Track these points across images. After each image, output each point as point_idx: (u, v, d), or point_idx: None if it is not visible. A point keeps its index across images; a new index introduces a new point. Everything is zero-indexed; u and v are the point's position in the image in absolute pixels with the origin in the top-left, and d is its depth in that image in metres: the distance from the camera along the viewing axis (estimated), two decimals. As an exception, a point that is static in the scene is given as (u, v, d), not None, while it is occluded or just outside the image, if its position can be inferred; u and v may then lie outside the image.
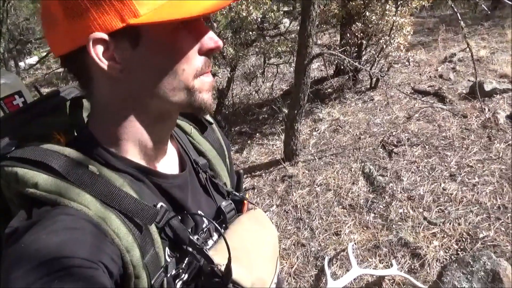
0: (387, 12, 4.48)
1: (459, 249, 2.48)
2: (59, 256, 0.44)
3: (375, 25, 4.61)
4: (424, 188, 3.05)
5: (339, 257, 2.69)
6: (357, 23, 4.70)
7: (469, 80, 4.53)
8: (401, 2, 4.58)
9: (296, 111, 3.61)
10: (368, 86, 5.16)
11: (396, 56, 4.71)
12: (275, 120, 5.19)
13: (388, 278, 2.43)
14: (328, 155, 3.87)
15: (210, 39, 0.56)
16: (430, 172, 3.21)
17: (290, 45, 5.17)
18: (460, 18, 2.69)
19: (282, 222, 3.15)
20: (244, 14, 4.50)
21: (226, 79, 5.64)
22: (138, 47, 0.52)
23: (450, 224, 2.67)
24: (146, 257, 0.52)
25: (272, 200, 3.46)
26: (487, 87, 4.05)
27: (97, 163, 0.54)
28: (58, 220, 0.47)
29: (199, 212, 0.65)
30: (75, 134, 0.63)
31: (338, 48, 5.07)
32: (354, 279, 2.42)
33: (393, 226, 2.78)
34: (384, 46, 4.60)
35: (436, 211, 2.81)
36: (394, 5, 4.54)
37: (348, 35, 4.86)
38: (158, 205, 0.56)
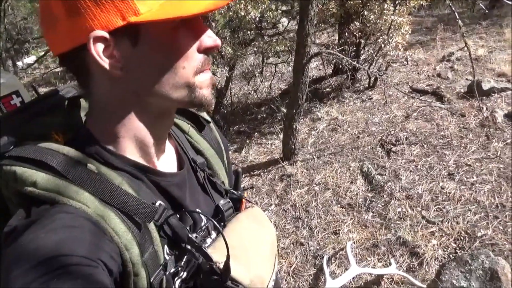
0: (385, 11, 4.48)
1: (457, 248, 2.49)
2: (58, 255, 0.44)
3: (373, 24, 4.62)
4: (422, 187, 3.06)
5: (337, 256, 2.70)
6: (355, 22, 4.71)
7: (467, 79, 4.54)
8: (399, 1, 4.58)
9: (294, 111, 3.62)
10: (367, 85, 5.16)
11: (394, 55, 4.73)
12: (273, 119, 5.19)
13: (386, 277, 2.43)
14: (326, 154, 3.87)
15: (209, 38, 0.56)
16: (429, 171, 3.21)
17: (288, 45, 5.17)
18: (458, 17, 2.70)
19: (281, 221, 3.15)
20: (242, 13, 4.50)
21: (225, 78, 5.63)
22: (138, 45, 0.52)
23: (448, 223, 2.67)
24: (145, 255, 0.52)
25: (271, 199, 3.46)
26: (485, 86, 4.06)
27: (96, 162, 0.54)
28: (57, 218, 0.47)
29: (198, 210, 0.65)
30: (73, 133, 0.63)
31: (336, 47, 5.07)
32: (353, 278, 2.42)
33: (392, 225, 2.79)
34: (382, 45, 4.61)
35: (434, 210, 2.82)
36: (392, 4, 4.54)
37: (347, 34, 4.86)
38: (157, 203, 0.57)
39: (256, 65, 6.45)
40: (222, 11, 4.53)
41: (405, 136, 3.75)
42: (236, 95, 6.47)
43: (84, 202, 0.49)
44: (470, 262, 2.14)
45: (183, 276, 0.58)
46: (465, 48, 2.88)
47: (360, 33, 4.72)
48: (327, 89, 5.52)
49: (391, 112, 4.31)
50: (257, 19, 5.00)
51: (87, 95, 0.61)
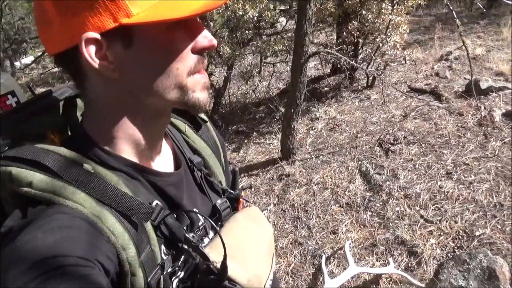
0: (383, 11, 4.49)
1: (455, 247, 2.49)
2: (55, 255, 0.43)
3: (371, 24, 4.62)
4: (420, 186, 3.06)
5: (336, 255, 2.70)
6: (353, 21, 4.71)
7: (465, 78, 4.55)
8: (397, 0, 4.59)
9: (293, 110, 3.61)
10: (365, 85, 5.17)
11: (392, 54, 4.73)
12: (272, 119, 5.19)
13: (385, 276, 2.44)
14: (325, 154, 3.88)
15: (204, 38, 0.56)
16: (427, 170, 3.22)
17: (286, 44, 5.17)
18: (455, 17, 2.70)
19: (279, 221, 3.15)
20: (240, 13, 4.50)
21: (223, 78, 5.63)
22: (131, 46, 0.52)
23: (446, 222, 2.68)
24: (142, 255, 0.52)
25: (269, 199, 3.46)
26: (483, 85, 4.06)
27: (92, 162, 0.54)
28: (54, 219, 0.47)
29: (195, 209, 0.65)
30: (70, 133, 0.63)
31: (334, 47, 5.08)
32: (351, 278, 2.42)
33: (390, 224, 2.79)
34: (381, 45, 4.61)
35: (432, 209, 2.82)
36: (390, 4, 4.55)
37: (345, 33, 4.87)
38: (154, 203, 0.56)
39: (254, 64, 6.45)
40: (220, 11, 4.53)
41: (403, 136, 3.75)
42: (235, 95, 6.46)
43: (81, 202, 0.49)
44: (468, 261, 2.14)
45: (181, 276, 0.58)
46: (463, 47, 2.88)
47: (358, 33, 4.72)
48: (325, 89, 5.53)
49: (389, 111, 4.31)
50: (255, 18, 5.00)
51: (83, 95, 0.61)
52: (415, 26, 7.45)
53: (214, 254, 0.58)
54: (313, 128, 4.49)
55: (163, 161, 0.66)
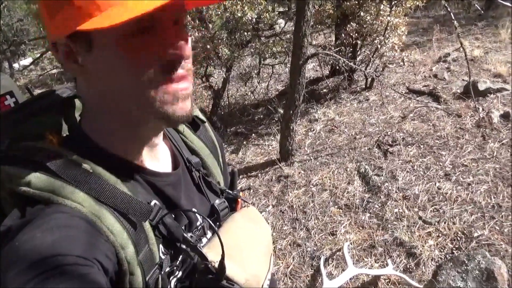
0: (381, 12, 4.50)
1: (454, 248, 2.49)
2: (54, 254, 0.44)
3: (369, 25, 4.63)
4: (419, 187, 3.06)
5: (335, 257, 2.70)
6: (351, 23, 4.72)
7: (463, 80, 4.56)
8: (396, 2, 4.60)
9: (291, 111, 3.62)
10: (363, 86, 5.17)
11: (390, 56, 4.74)
12: (270, 120, 5.19)
13: (383, 277, 2.44)
14: (323, 155, 3.88)
15: (173, 49, 0.52)
16: (425, 172, 3.22)
17: (285, 46, 5.18)
18: (453, 18, 2.71)
19: (278, 223, 3.15)
20: (239, 15, 4.50)
21: (222, 79, 5.64)
22: (91, 51, 0.51)
23: (445, 223, 2.68)
24: (141, 254, 0.52)
25: (268, 201, 3.46)
26: (481, 87, 4.08)
27: (90, 161, 0.54)
28: (52, 218, 0.47)
29: (193, 209, 0.65)
30: (68, 133, 0.63)
31: (333, 48, 5.09)
32: (350, 279, 2.42)
33: (389, 225, 2.79)
34: (379, 46, 4.62)
35: (431, 211, 2.82)
36: (388, 5, 4.56)
37: (343, 35, 4.88)
38: (152, 203, 0.57)
39: (253, 66, 6.45)
40: (219, 12, 4.54)
41: (401, 137, 3.76)
42: (233, 96, 6.47)
43: (79, 202, 0.49)
44: (466, 262, 2.14)
45: (179, 276, 0.58)
46: (461, 49, 2.89)
47: (356, 34, 4.73)
48: (324, 90, 5.53)
49: (388, 113, 4.32)
50: (254, 20, 5.01)
51: (80, 96, 0.62)
52: (413, 28, 7.47)
53: (212, 254, 0.58)
54: (312, 129, 4.49)
55: (161, 161, 0.66)
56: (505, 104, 3.86)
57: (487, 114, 3.69)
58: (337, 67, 5.34)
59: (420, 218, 2.78)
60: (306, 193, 3.39)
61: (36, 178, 0.49)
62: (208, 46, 4.76)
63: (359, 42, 4.90)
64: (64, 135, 0.62)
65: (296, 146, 4.01)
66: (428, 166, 3.27)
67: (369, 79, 5.04)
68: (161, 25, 0.51)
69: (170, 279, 0.57)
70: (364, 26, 4.68)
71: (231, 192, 0.76)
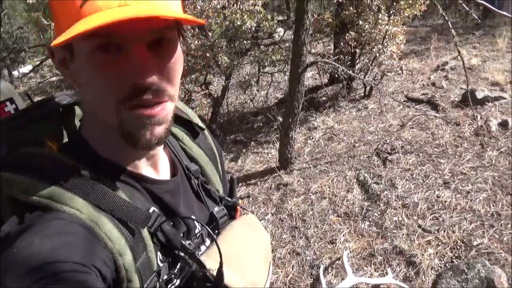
0: (379, 21, 4.53)
1: (453, 257, 2.48)
2: (52, 261, 0.43)
3: (368, 34, 4.66)
4: (418, 195, 3.06)
5: (334, 265, 2.68)
6: (350, 32, 4.75)
7: (461, 88, 4.59)
8: (394, 11, 4.64)
9: (290, 120, 3.62)
10: (362, 94, 5.19)
11: (389, 64, 4.77)
12: (270, 128, 5.20)
13: (383, 286, 2.42)
14: (323, 163, 3.88)
15: (135, 74, 0.48)
16: (424, 180, 3.22)
17: (284, 54, 5.21)
18: (451, 27, 2.73)
19: (277, 231, 3.13)
20: (238, 23, 4.53)
21: (221, 87, 5.66)
22: (73, 61, 0.52)
23: (444, 231, 2.67)
24: (138, 261, 0.52)
25: (267, 209, 3.45)
26: (479, 95, 4.10)
27: (89, 168, 0.54)
28: (51, 224, 0.47)
29: (192, 216, 0.65)
30: (67, 139, 0.63)
31: (332, 57, 5.12)
32: (350, 288, 2.41)
33: (388, 234, 2.78)
34: (377, 55, 4.65)
35: (430, 219, 2.81)
36: (386, 14, 4.60)
37: (342, 44, 4.91)
38: (150, 210, 0.56)
39: (253, 74, 6.47)
40: (219, 21, 4.57)
41: (400, 145, 3.76)
42: (233, 104, 6.48)
43: (78, 208, 0.49)
44: (466, 271, 2.13)
45: (177, 284, 0.58)
46: (459, 58, 2.91)
47: (355, 43, 4.76)
48: (323, 98, 5.55)
49: (387, 121, 4.33)
50: (253, 28, 5.04)
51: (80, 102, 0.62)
52: (411, 37, 7.52)
53: (210, 261, 0.57)
54: (311, 137, 4.50)
55: (160, 169, 0.65)
56: (503, 113, 3.87)
57: (485, 122, 3.71)
58: (336, 76, 5.36)
59: (419, 226, 2.77)
60: (305, 201, 3.38)
61: (35, 184, 0.49)
62: (208, 54, 4.78)
63: (357, 50, 4.93)
64: (64, 141, 0.63)
65: (295, 154, 4.01)
66: (427, 174, 3.27)
67: (368, 87, 5.06)
68: (130, 46, 0.48)
69: (168, 287, 0.57)
70: (363, 34, 4.71)
71: (230, 199, 0.75)
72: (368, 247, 2.74)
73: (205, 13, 4.44)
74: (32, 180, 0.49)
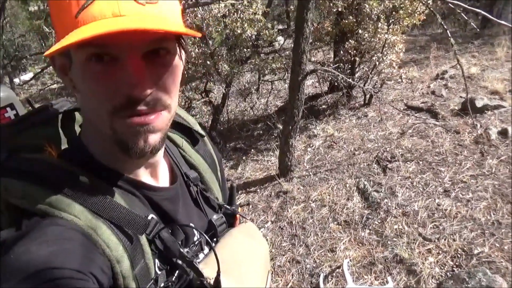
0: (379, 30, 4.56)
1: (454, 266, 2.47)
2: (49, 267, 0.43)
3: (367, 43, 4.69)
4: (418, 203, 3.05)
5: (334, 274, 2.66)
6: (350, 40, 4.78)
7: (461, 97, 4.60)
8: (393, 20, 4.67)
9: (290, 127, 3.63)
10: (362, 103, 5.21)
11: (388, 73, 4.79)
12: (270, 136, 5.20)
13: (384, 295, 2.40)
14: (323, 171, 3.87)
15: (127, 86, 0.48)
16: (424, 188, 3.21)
17: (284, 62, 5.23)
18: (450, 36, 2.75)
19: (277, 239, 3.12)
20: (239, 32, 4.56)
21: (221, 95, 5.68)
22: (71, 67, 0.52)
23: (445, 240, 2.66)
24: (136, 268, 0.52)
25: (267, 216, 3.43)
26: (479, 104, 4.11)
27: (88, 174, 0.54)
28: (48, 231, 0.47)
29: (191, 224, 0.64)
30: (67, 145, 0.63)
31: (331, 65, 5.14)
32: (350, 297, 2.38)
33: (388, 242, 2.77)
34: (377, 63, 4.67)
35: (431, 227, 2.80)
36: (386, 23, 4.63)
37: (342, 52, 4.93)
38: (149, 217, 0.56)
39: (253, 82, 6.50)
40: (219, 29, 4.60)
41: (400, 153, 3.76)
42: (233, 112, 6.49)
43: (76, 214, 0.49)
44: (467, 280, 2.12)
45: None
46: (458, 66, 2.93)
47: (355, 51, 4.79)
48: (323, 106, 5.56)
49: (387, 129, 4.33)
50: (254, 37, 5.07)
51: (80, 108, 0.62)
52: (410, 46, 7.57)
53: (208, 270, 0.57)
54: (311, 145, 4.50)
55: (159, 176, 0.65)
56: (502, 121, 3.88)
57: (485, 130, 3.71)
58: (336, 84, 5.38)
59: (420, 234, 2.76)
60: (305, 209, 3.37)
61: (33, 190, 0.49)
62: (208, 62, 4.81)
63: (357, 59, 4.96)
64: (64, 147, 0.63)
65: (295, 161, 4.01)
66: (427, 183, 3.27)
67: (368, 96, 5.08)
68: (125, 56, 0.47)
69: None
70: (362, 43, 4.74)
71: (229, 207, 0.75)
72: (368, 255, 2.73)
73: (205, 21, 4.47)
74: (30, 186, 0.49)
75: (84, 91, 0.51)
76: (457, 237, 2.65)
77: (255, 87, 6.40)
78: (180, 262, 0.58)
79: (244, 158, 4.74)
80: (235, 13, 4.59)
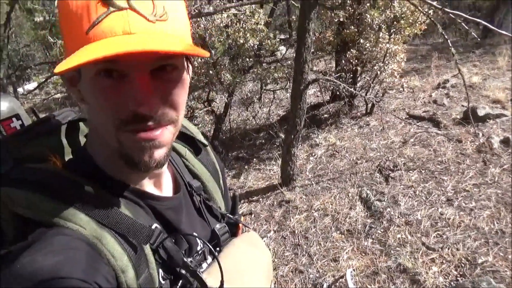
0: (380, 40, 4.59)
1: (458, 275, 2.45)
2: (54, 277, 0.43)
3: (369, 52, 4.72)
4: (421, 212, 3.03)
5: (337, 283, 2.64)
6: (351, 50, 4.81)
7: (462, 106, 4.60)
8: (394, 30, 4.71)
9: (292, 136, 3.64)
10: (364, 112, 5.22)
11: (390, 82, 4.80)
12: (272, 145, 5.21)
13: (387, 305, 2.38)
14: (325, 180, 3.87)
15: (135, 102, 0.49)
16: (427, 197, 3.20)
17: (286, 72, 5.27)
18: (450, 45, 2.77)
19: (280, 248, 3.10)
20: (241, 41, 4.60)
21: (224, 104, 5.70)
22: (79, 80, 0.53)
23: (448, 249, 2.64)
24: (141, 278, 0.52)
25: (270, 226, 3.42)
26: (480, 113, 4.11)
27: (93, 184, 0.54)
28: (54, 240, 0.47)
29: (194, 233, 0.65)
30: (72, 155, 0.64)
31: (333, 74, 5.16)
32: (353, 307, 2.37)
33: (392, 251, 2.75)
34: (379, 73, 4.69)
35: (434, 236, 2.79)
36: (387, 33, 4.66)
37: (343, 61, 4.96)
38: (153, 226, 0.56)
39: (255, 91, 6.54)
40: (222, 39, 4.64)
41: (403, 162, 3.75)
42: (235, 121, 6.51)
43: (81, 224, 0.49)
44: (471, 290, 2.10)
45: None
46: (460, 75, 2.94)
47: (356, 61, 4.81)
48: (325, 115, 5.58)
49: (389, 138, 4.33)
50: (256, 47, 5.12)
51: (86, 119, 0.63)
52: (412, 55, 7.60)
53: (211, 279, 0.57)
54: (313, 154, 4.50)
55: (163, 186, 0.66)
56: (504, 130, 3.87)
57: (487, 139, 3.71)
58: (338, 93, 5.40)
59: (423, 244, 2.74)
60: (308, 218, 3.36)
61: (38, 200, 0.49)
62: (211, 72, 4.84)
63: (359, 68, 4.98)
64: (68, 157, 0.63)
65: (298, 170, 4.00)
66: (430, 191, 3.26)
67: (370, 105, 5.09)
68: (133, 73, 0.48)
69: None
70: (364, 53, 4.77)
71: (232, 216, 0.76)
72: (372, 265, 2.71)
73: (208, 31, 4.51)
74: (35, 196, 0.49)
75: (92, 104, 0.52)
76: (460, 246, 2.63)
77: (257, 96, 6.44)
78: (183, 271, 0.58)
79: (246, 167, 4.74)
80: (238, 23, 4.64)
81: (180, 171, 0.72)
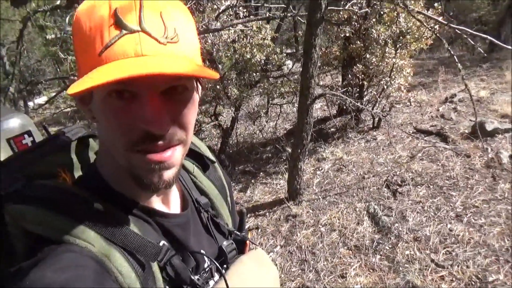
0: (387, 55, 4.61)
1: (469, 293, 2.40)
2: None
3: (375, 67, 4.74)
4: (430, 228, 2.99)
5: (345, 301, 2.60)
6: (358, 64, 4.83)
7: (470, 120, 4.58)
8: (400, 45, 4.73)
9: (299, 150, 3.63)
10: (371, 126, 5.21)
11: (397, 96, 4.80)
12: (278, 159, 5.21)
13: (396, 323, 2.33)
14: (332, 195, 3.84)
15: (145, 122, 0.49)
16: (436, 213, 3.16)
17: (293, 86, 5.29)
18: (457, 61, 2.77)
19: (286, 264, 3.07)
20: (248, 56, 4.65)
21: (230, 118, 5.74)
22: (91, 100, 0.54)
23: (458, 266, 2.59)
24: None
25: (276, 241, 3.40)
26: (489, 127, 4.08)
27: (102, 201, 0.55)
28: (63, 257, 0.47)
29: (202, 251, 0.65)
30: (81, 172, 0.65)
31: (340, 89, 5.18)
32: (361, 325, 2.32)
33: (400, 268, 2.71)
34: (385, 87, 4.70)
35: (443, 253, 2.74)
36: (393, 48, 4.68)
37: (350, 76, 4.98)
38: (161, 243, 0.57)
39: (262, 105, 6.57)
40: (229, 54, 4.69)
41: (410, 177, 3.72)
42: (242, 135, 6.54)
43: (90, 241, 0.50)
44: (483, 308, 2.05)
45: None
46: (467, 90, 2.94)
47: (363, 75, 4.83)
48: (332, 130, 5.57)
49: (396, 152, 4.31)
50: (262, 61, 5.16)
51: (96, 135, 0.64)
52: (418, 69, 7.60)
53: None
54: (320, 168, 4.48)
55: (171, 203, 0.66)
56: (514, 145, 3.84)
57: (496, 154, 3.67)
58: (344, 107, 5.41)
59: (432, 261, 2.69)
60: (314, 233, 3.33)
61: (49, 217, 0.50)
62: (218, 86, 4.89)
63: (365, 83, 5.00)
64: (78, 174, 0.64)
65: (304, 185, 3.99)
66: (438, 207, 3.22)
67: (376, 119, 5.08)
68: (144, 94, 0.49)
69: None
70: (370, 67, 4.79)
71: (239, 233, 0.75)
72: (380, 281, 2.67)
73: (215, 47, 4.57)
74: (45, 212, 0.50)
75: (103, 124, 0.53)
76: (470, 263, 2.59)
77: (264, 111, 6.46)
78: None
79: (253, 181, 4.73)
80: (245, 39, 4.70)
81: (188, 187, 0.72)
